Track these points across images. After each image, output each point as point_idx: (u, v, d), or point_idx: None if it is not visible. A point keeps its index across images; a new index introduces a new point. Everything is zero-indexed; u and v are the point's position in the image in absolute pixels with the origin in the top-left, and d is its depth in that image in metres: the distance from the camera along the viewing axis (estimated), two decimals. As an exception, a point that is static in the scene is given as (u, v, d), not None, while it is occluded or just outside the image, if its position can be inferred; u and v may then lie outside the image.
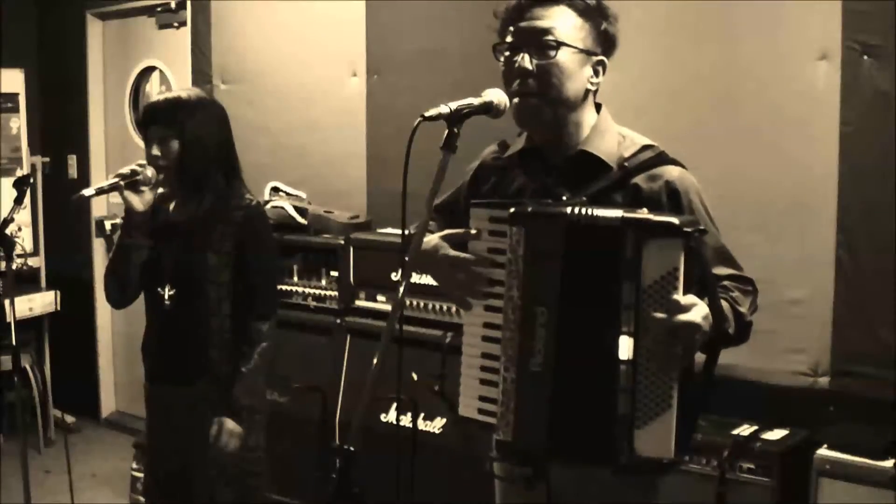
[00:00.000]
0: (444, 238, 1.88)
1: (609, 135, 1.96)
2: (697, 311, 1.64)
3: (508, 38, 1.91)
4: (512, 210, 1.78)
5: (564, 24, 1.88)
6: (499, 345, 1.79)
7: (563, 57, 1.87)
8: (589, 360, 1.71)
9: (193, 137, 2.64)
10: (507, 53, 1.92)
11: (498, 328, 1.79)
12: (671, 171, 1.90)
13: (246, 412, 2.66)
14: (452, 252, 1.85)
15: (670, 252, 1.64)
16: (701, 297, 1.67)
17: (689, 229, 1.66)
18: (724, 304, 1.78)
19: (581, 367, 1.72)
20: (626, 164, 1.90)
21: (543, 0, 1.88)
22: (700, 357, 1.77)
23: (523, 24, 1.89)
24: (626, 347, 1.68)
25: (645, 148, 1.94)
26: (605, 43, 1.94)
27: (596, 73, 1.94)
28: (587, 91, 1.94)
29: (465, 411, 1.84)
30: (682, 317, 1.62)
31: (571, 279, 1.72)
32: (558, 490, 1.88)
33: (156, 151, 2.63)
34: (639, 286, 1.66)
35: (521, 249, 1.75)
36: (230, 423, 2.64)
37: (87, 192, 2.58)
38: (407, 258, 1.71)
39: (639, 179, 1.89)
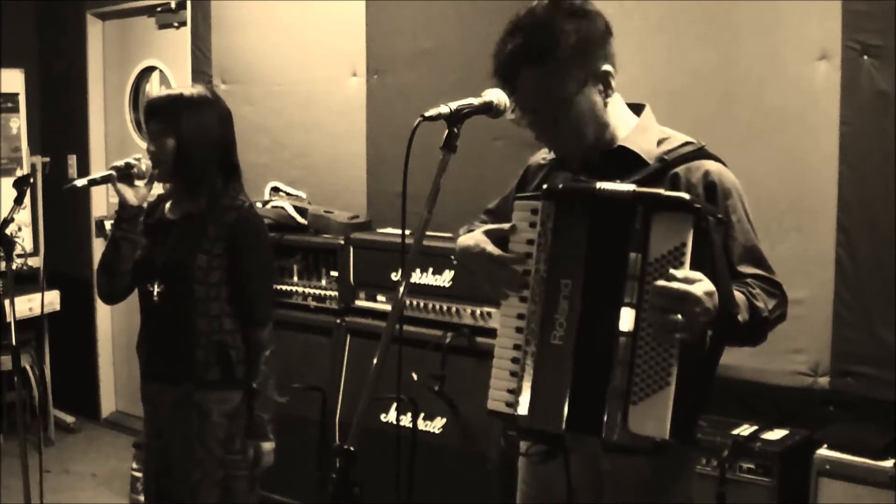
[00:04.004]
0: (485, 233, 1.90)
1: (650, 133, 1.95)
2: (700, 286, 1.62)
3: (513, 99, 1.88)
4: (544, 186, 1.83)
5: (552, 84, 1.83)
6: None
7: (573, 109, 1.85)
8: (601, 333, 1.72)
9: (189, 135, 2.61)
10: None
11: None
12: (710, 165, 1.89)
13: (271, 424, 2.68)
14: (492, 248, 1.87)
15: (678, 227, 1.66)
16: (712, 280, 1.65)
17: (699, 206, 1.67)
18: (739, 294, 1.75)
19: (595, 341, 1.73)
20: (665, 157, 1.89)
21: (521, 65, 1.82)
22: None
23: (518, 95, 1.86)
24: (627, 319, 1.68)
25: (686, 144, 1.93)
26: (592, 56, 1.85)
27: (605, 85, 1.89)
28: (605, 104, 1.90)
29: (493, 405, 1.84)
30: (683, 286, 1.61)
31: (593, 252, 1.74)
32: (585, 469, 1.90)
33: (151, 147, 2.63)
34: (645, 258, 1.67)
35: (550, 223, 1.78)
36: (266, 445, 2.67)
37: (78, 182, 2.58)
38: (410, 253, 1.72)
39: (678, 171, 1.88)
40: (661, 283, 1.63)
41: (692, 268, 1.64)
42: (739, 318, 1.72)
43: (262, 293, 2.75)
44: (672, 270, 1.63)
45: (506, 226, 1.86)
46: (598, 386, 1.70)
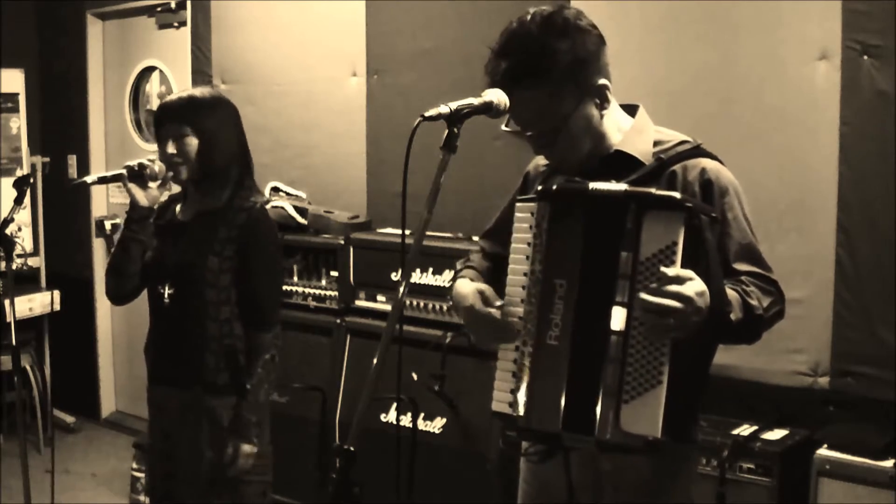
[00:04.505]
0: (478, 290, 1.90)
1: (645, 134, 1.94)
2: (691, 285, 1.62)
3: (509, 113, 1.85)
4: (539, 188, 1.84)
5: (547, 105, 1.83)
6: None
7: (569, 126, 1.85)
8: (594, 332, 1.72)
9: (211, 135, 2.62)
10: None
11: None
12: (706, 163, 1.88)
13: (256, 428, 2.62)
14: (480, 306, 1.87)
15: (670, 225, 1.66)
16: (704, 278, 1.65)
17: (690, 204, 1.67)
18: (732, 292, 1.74)
19: (589, 340, 1.73)
20: (661, 155, 1.89)
21: (515, 87, 1.79)
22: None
23: (513, 112, 1.82)
24: (618, 318, 1.69)
25: (682, 142, 1.93)
26: (587, 73, 1.84)
27: (601, 99, 1.88)
28: (601, 115, 1.89)
29: (497, 406, 1.84)
30: (673, 287, 1.61)
31: (588, 252, 1.75)
32: (584, 469, 1.90)
33: (171, 149, 2.60)
34: (636, 258, 1.68)
35: (545, 224, 1.79)
36: (246, 447, 2.60)
37: (88, 178, 2.58)
38: (409, 257, 1.72)
39: (675, 169, 1.87)
40: (651, 288, 1.62)
41: (685, 266, 1.64)
42: (732, 316, 1.72)
43: (270, 296, 2.72)
44: (663, 269, 1.63)
45: (495, 307, 1.85)
46: (591, 385, 1.70)
